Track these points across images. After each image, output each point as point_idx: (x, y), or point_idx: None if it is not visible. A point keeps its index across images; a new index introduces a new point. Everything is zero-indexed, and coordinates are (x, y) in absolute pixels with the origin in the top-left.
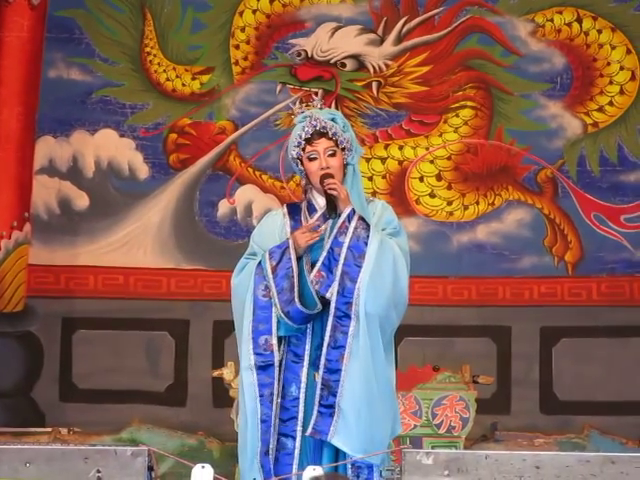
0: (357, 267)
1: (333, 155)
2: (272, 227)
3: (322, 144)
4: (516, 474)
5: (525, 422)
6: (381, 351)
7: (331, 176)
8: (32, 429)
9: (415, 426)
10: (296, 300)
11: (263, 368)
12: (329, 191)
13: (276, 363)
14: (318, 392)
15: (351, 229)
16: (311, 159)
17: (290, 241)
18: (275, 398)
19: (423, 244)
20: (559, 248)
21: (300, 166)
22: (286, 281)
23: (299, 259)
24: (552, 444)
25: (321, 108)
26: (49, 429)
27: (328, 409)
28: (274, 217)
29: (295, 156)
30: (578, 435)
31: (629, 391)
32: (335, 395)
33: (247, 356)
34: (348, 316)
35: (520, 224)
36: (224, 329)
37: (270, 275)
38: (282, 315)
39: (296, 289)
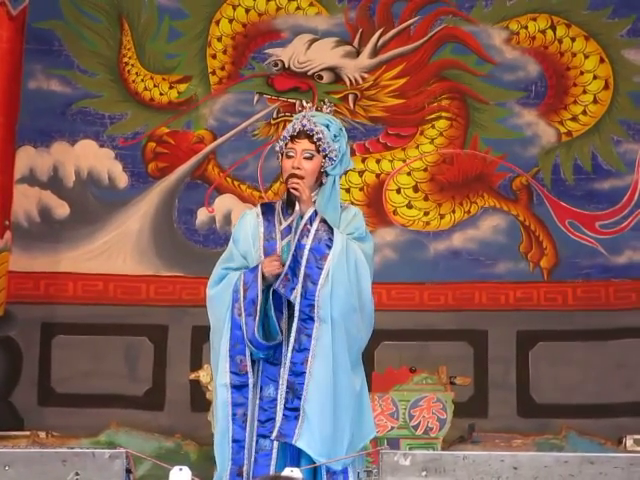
0: (318, 269)
1: (309, 158)
2: (246, 228)
3: (302, 145)
4: (494, 475)
5: (502, 425)
6: (345, 355)
7: (298, 177)
8: (10, 433)
9: (392, 428)
10: (256, 331)
11: (238, 388)
12: (291, 190)
13: (250, 385)
14: (284, 395)
15: (312, 231)
16: (288, 156)
17: (260, 267)
18: (249, 419)
19: (400, 252)
20: (534, 254)
21: (280, 161)
22: (252, 308)
23: (271, 286)
24: (530, 445)
25: (329, 113)
26: (27, 432)
27: (293, 412)
28: (248, 217)
29: (278, 149)
30: (556, 436)
31: (606, 393)
32: (300, 398)
33: (223, 373)
34: (311, 319)
35: (496, 230)
36: (202, 334)
37: (241, 298)
38: (247, 342)
39: (257, 319)
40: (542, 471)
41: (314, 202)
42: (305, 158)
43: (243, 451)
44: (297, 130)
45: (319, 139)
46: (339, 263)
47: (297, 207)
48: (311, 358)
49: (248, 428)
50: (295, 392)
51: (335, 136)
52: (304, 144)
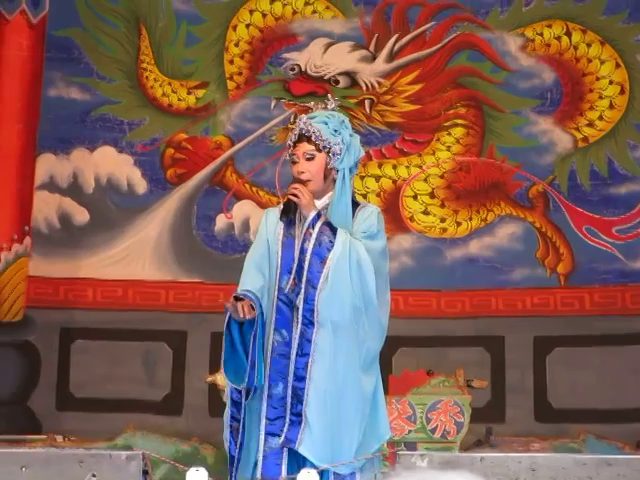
0: (319, 273)
1: (311, 159)
2: (269, 221)
3: (302, 148)
4: (512, 477)
5: (520, 430)
6: (353, 357)
7: (301, 181)
8: (27, 436)
9: (409, 431)
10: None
11: (235, 404)
12: (289, 196)
13: (243, 404)
14: (289, 400)
15: (314, 234)
16: (294, 162)
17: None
18: (239, 436)
19: (417, 259)
20: (551, 260)
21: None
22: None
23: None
24: (548, 449)
25: (333, 109)
26: (44, 436)
27: (297, 417)
28: (271, 213)
29: (288, 158)
30: (574, 440)
31: (623, 398)
32: (302, 403)
33: (228, 385)
34: (312, 323)
35: (512, 238)
36: (221, 341)
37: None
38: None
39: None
40: (560, 473)
41: (326, 206)
42: (307, 160)
43: (232, 468)
44: (297, 135)
45: (317, 137)
46: (339, 265)
47: (293, 210)
48: (311, 362)
49: (238, 445)
50: (298, 397)
51: (335, 130)
52: (304, 147)
